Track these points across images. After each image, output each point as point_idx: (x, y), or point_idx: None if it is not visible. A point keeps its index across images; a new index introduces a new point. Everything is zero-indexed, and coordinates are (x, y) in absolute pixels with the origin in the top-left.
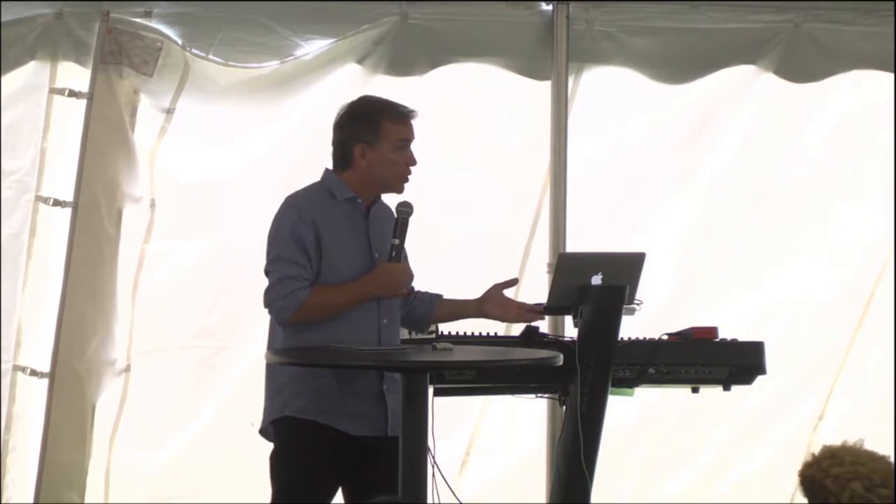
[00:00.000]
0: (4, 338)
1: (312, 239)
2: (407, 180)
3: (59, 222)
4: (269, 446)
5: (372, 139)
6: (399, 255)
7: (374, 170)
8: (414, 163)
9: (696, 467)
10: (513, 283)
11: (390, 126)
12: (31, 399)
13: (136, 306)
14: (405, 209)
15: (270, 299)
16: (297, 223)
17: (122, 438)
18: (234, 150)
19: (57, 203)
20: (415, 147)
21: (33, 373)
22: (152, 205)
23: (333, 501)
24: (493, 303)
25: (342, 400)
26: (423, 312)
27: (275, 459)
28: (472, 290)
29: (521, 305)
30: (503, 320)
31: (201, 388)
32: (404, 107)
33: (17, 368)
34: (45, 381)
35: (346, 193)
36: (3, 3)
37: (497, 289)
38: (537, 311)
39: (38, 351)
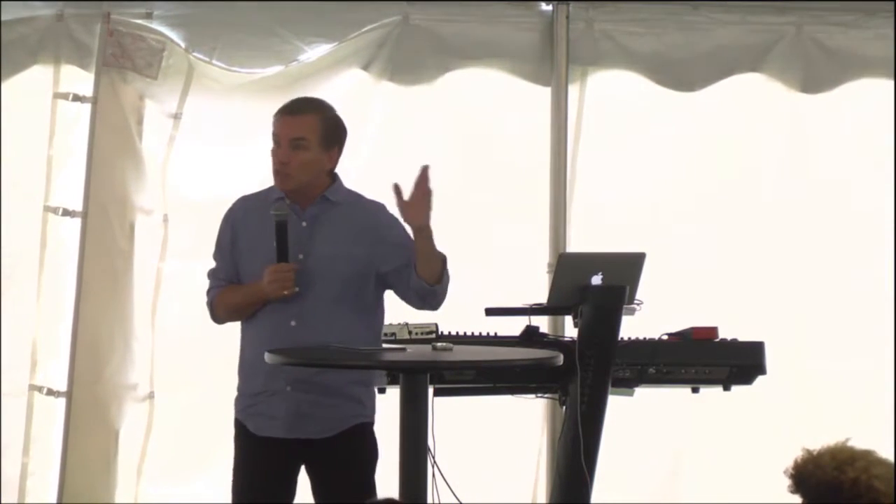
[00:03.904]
0: (20, 356)
1: (228, 240)
2: (280, 177)
3: (69, 233)
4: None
5: None
6: (283, 257)
7: None
8: (278, 159)
9: None
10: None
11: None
12: (50, 420)
13: (155, 331)
14: (276, 213)
15: None
16: (221, 225)
17: (150, 469)
18: (247, 160)
19: (66, 213)
20: (423, 156)
21: (50, 392)
22: (165, 219)
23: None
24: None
25: (250, 399)
26: (412, 279)
27: None
28: (495, 299)
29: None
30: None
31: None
32: (288, 102)
33: (33, 388)
34: (62, 401)
35: (275, 194)
36: (2, 3)
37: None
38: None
39: (55, 369)
